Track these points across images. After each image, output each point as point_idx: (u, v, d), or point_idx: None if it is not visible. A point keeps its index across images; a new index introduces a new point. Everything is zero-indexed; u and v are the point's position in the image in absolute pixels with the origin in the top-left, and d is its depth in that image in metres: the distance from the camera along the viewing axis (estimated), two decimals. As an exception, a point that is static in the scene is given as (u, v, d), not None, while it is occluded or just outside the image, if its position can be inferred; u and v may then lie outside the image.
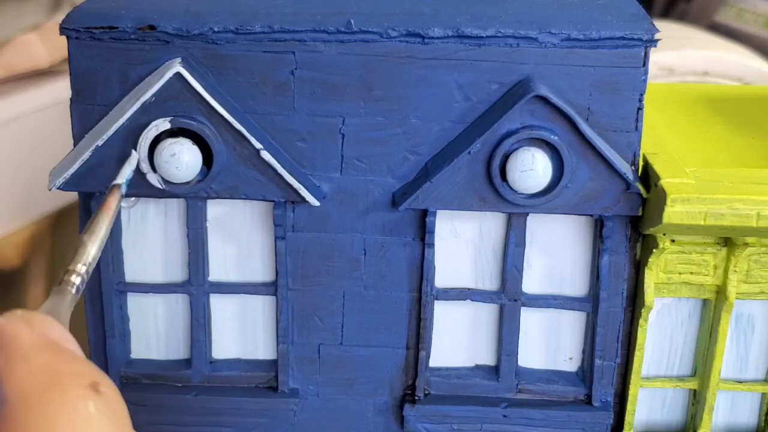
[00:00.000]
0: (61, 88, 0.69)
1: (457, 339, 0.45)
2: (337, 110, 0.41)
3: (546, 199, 0.41)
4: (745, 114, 0.50)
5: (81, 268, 0.34)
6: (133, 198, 0.43)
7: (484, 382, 0.45)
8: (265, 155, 0.41)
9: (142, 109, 0.40)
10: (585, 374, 0.45)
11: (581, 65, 0.40)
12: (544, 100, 0.40)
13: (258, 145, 0.41)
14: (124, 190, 0.38)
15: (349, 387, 0.45)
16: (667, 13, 1.02)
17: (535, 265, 0.44)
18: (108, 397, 0.30)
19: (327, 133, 0.42)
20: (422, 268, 0.43)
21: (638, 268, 0.43)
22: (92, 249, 0.35)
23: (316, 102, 0.41)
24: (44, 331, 0.31)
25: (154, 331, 0.46)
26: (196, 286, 0.44)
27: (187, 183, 0.41)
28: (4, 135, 0.68)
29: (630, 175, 0.41)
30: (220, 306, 0.45)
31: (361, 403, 0.45)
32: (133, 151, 0.40)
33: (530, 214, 0.42)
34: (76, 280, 0.34)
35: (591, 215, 0.42)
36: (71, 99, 0.42)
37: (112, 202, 0.37)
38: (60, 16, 0.47)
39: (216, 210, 0.44)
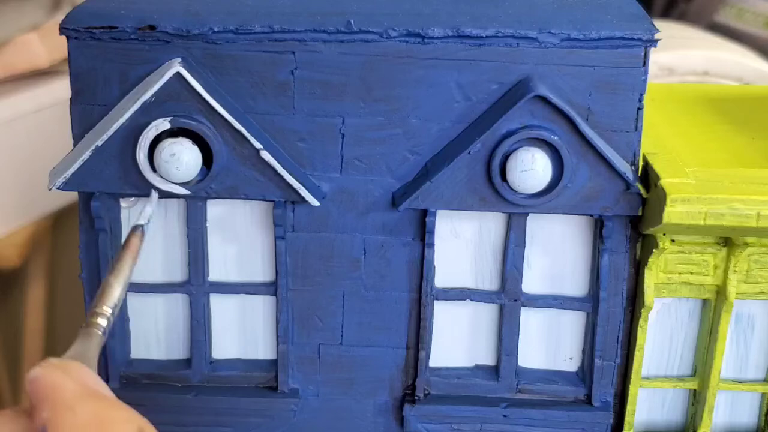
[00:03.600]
0: (61, 88, 0.69)
1: (457, 339, 0.45)
2: (337, 110, 0.41)
3: (546, 199, 0.41)
4: (745, 114, 0.50)
5: (107, 310, 0.35)
6: (133, 198, 0.43)
7: (484, 382, 0.45)
8: (265, 155, 0.41)
9: (142, 109, 0.40)
10: (585, 374, 0.45)
11: (581, 65, 0.40)
12: (544, 100, 0.40)
13: (258, 145, 0.41)
14: (146, 230, 0.39)
15: (349, 387, 0.45)
16: (667, 13, 1.02)
17: (535, 265, 0.44)
18: None
19: (327, 133, 0.42)
20: (422, 268, 0.43)
21: (638, 268, 0.43)
22: (117, 290, 0.36)
23: (316, 102, 0.41)
24: (82, 378, 0.31)
25: (154, 331, 0.46)
26: (196, 286, 0.44)
27: (187, 183, 0.41)
28: (4, 135, 0.68)
29: (630, 175, 0.41)
30: (220, 306, 0.45)
31: (361, 403, 0.45)
32: (153, 191, 0.41)
33: (530, 214, 0.42)
34: (102, 322, 0.34)
35: (591, 215, 0.42)
36: (71, 99, 0.42)
37: (136, 243, 0.38)
38: (60, 16, 0.47)
39: (216, 210, 0.44)
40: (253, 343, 0.46)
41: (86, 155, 0.41)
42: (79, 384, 0.30)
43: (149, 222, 0.39)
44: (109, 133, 0.40)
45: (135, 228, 0.38)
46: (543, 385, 0.45)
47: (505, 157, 0.40)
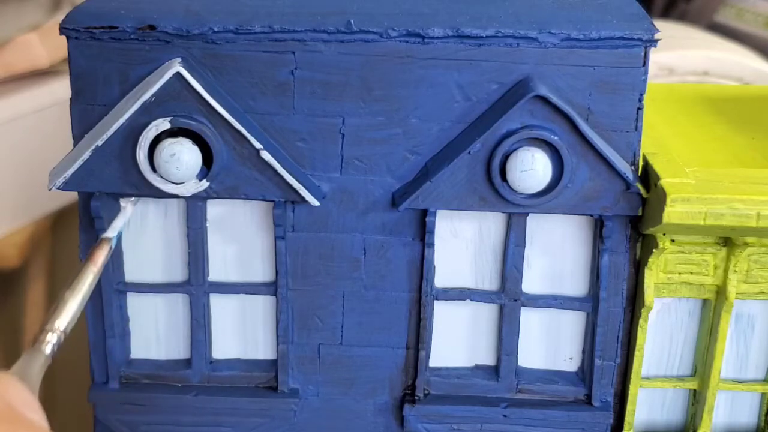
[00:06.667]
0: (61, 88, 0.69)
1: (457, 339, 0.45)
2: (337, 110, 0.41)
3: (546, 199, 0.41)
4: (745, 114, 0.50)
5: (58, 327, 0.32)
6: (133, 198, 0.43)
7: (484, 382, 0.45)
8: (265, 155, 0.41)
9: (142, 109, 0.40)
10: (585, 374, 0.45)
11: (581, 65, 0.40)
12: (544, 100, 0.40)
13: (258, 145, 0.41)
14: (113, 243, 0.36)
15: (349, 387, 0.45)
16: (667, 13, 1.02)
17: (535, 265, 0.44)
18: None
19: (327, 133, 0.42)
20: (422, 268, 0.43)
21: (638, 268, 0.43)
22: (73, 306, 0.33)
23: (316, 102, 0.41)
24: (8, 397, 0.28)
25: (154, 331, 0.46)
26: (196, 286, 0.44)
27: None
28: (4, 135, 0.68)
29: (630, 175, 0.41)
30: (220, 306, 0.45)
31: (361, 403, 0.45)
32: (129, 203, 0.40)
33: (530, 214, 0.42)
34: (51, 339, 0.32)
35: (591, 215, 0.42)
36: (71, 99, 0.42)
37: (100, 256, 0.35)
38: (60, 16, 0.47)
39: (216, 210, 0.44)
40: (253, 343, 0.46)
41: (86, 155, 0.41)
42: (2, 403, 0.28)
43: (117, 235, 0.37)
44: (109, 133, 0.40)
45: (101, 241, 0.36)
46: (543, 385, 0.45)
47: (505, 157, 0.40)
